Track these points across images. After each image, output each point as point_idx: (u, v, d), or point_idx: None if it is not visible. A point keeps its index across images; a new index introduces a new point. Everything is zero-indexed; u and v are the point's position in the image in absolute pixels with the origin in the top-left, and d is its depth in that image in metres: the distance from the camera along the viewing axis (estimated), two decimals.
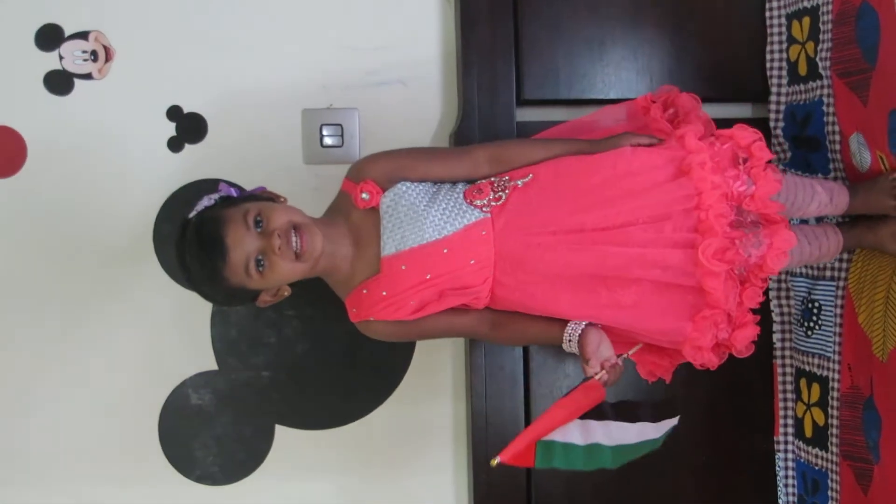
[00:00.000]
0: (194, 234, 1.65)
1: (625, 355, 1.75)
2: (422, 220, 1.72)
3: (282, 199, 1.77)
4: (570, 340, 1.71)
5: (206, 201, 1.71)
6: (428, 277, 1.72)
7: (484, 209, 1.74)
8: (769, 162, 1.74)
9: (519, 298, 1.74)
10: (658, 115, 1.86)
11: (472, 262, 1.72)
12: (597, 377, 1.64)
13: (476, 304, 1.78)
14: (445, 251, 1.71)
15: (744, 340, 1.75)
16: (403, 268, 1.72)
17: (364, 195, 1.75)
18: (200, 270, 1.66)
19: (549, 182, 1.75)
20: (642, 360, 1.88)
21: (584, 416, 1.61)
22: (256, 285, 1.68)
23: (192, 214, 1.70)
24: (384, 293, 1.74)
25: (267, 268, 1.65)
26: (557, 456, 1.59)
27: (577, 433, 1.60)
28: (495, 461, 1.56)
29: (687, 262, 1.67)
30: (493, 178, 1.78)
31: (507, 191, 1.75)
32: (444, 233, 1.72)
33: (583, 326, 1.70)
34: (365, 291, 1.75)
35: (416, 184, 1.77)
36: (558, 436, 1.59)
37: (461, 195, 1.76)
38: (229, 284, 1.66)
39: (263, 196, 1.76)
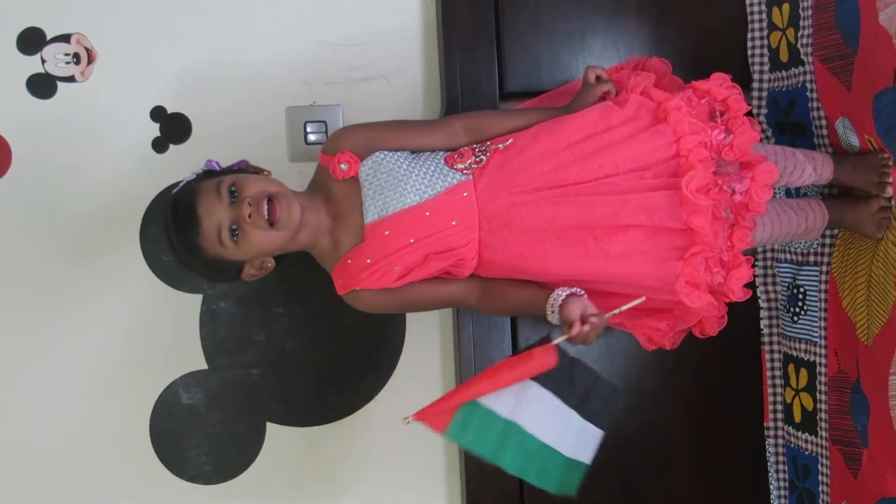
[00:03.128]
0: (172, 206, 1.69)
1: (615, 311, 1.71)
2: (403, 184, 1.72)
3: (265, 173, 1.79)
4: (552, 311, 1.69)
5: (190, 176, 1.75)
6: (411, 241, 1.72)
7: (465, 172, 1.74)
8: (748, 115, 1.74)
9: (507, 260, 1.74)
10: (626, 77, 1.85)
11: (454, 223, 1.72)
12: (573, 332, 1.62)
13: (462, 271, 1.78)
14: (427, 214, 1.72)
15: (739, 282, 1.72)
16: (386, 233, 1.72)
17: (342, 165, 1.76)
18: (178, 241, 1.69)
19: (529, 142, 1.75)
20: (639, 324, 1.84)
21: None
22: (234, 255, 1.69)
23: (175, 190, 1.74)
24: (368, 261, 1.74)
25: (241, 237, 1.66)
26: (471, 430, 1.57)
27: (506, 401, 1.58)
28: (407, 420, 1.56)
29: (672, 203, 1.66)
30: (474, 144, 1.79)
31: (487, 153, 1.76)
32: (425, 196, 1.72)
33: (564, 295, 1.68)
34: (350, 261, 1.76)
35: (393, 151, 1.78)
36: (486, 399, 1.57)
37: (442, 160, 1.77)
38: (207, 255, 1.68)
39: (247, 170, 1.78)
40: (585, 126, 1.73)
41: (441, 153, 1.80)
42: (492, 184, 1.73)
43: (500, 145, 1.77)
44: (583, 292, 1.70)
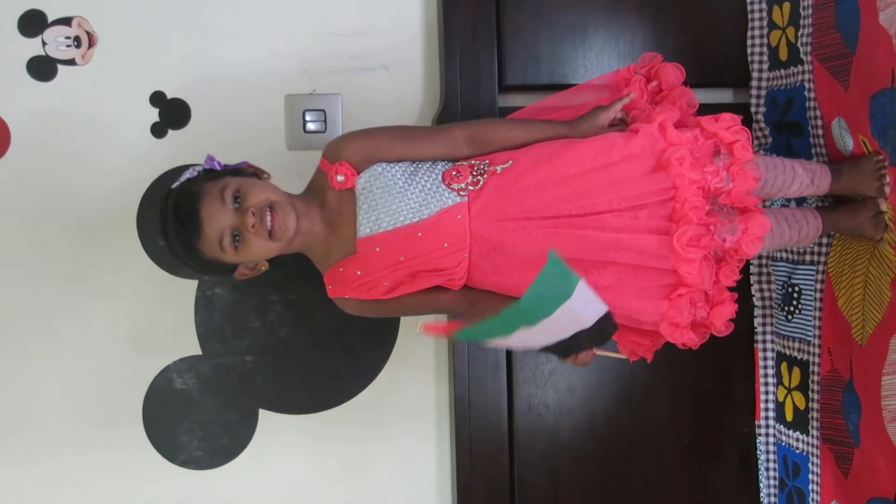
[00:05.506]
0: (173, 206, 1.67)
1: (602, 353, 1.76)
2: (397, 202, 1.72)
3: (265, 175, 1.78)
4: None
5: (190, 173, 1.73)
6: (401, 259, 1.72)
7: (461, 193, 1.73)
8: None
9: (497, 282, 1.74)
10: (637, 91, 1.84)
11: (446, 244, 1.72)
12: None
13: (452, 286, 1.78)
14: (419, 234, 1.71)
15: (722, 318, 1.75)
16: (377, 249, 1.72)
17: (339, 177, 1.75)
18: (177, 241, 1.67)
19: (527, 169, 1.74)
20: (623, 338, 1.87)
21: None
22: (231, 259, 1.69)
23: (174, 185, 1.72)
24: (359, 272, 1.75)
25: (241, 244, 1.66)
26: (477, 333, 1.59)
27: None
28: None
29: (662, 248, 1.67)
30: (473, 162, 1.78)
31: (485, 175, 1.74)
32: (419, 216, 1.72)
33: None
34: (341, 269, 1.76)
35: (392, 164, 1.77)
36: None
37: (440, 176, 1.76)
38: (204, 257, 1.68)
39: (247, 171, 1.77)
40: (585, 158, 1.72)
41: (440, 167, 1.78)
42: (486, 208, 1.72)
43: (499, 167, 1.75)
44: None
